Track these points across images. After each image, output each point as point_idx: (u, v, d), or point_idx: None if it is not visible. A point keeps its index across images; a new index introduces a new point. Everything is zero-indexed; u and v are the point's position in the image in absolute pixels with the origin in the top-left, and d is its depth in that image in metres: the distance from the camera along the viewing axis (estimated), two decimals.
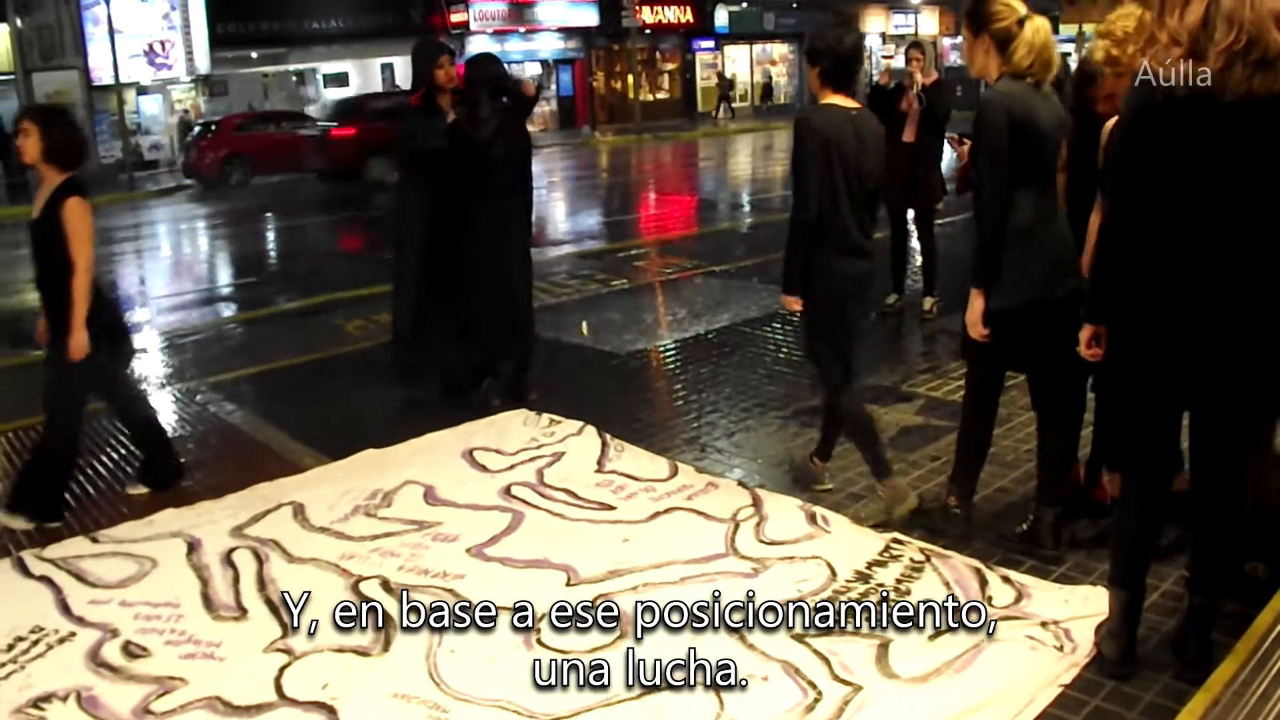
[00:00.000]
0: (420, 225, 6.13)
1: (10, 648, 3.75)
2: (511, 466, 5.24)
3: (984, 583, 3.88)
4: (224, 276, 13.26)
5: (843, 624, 3.64)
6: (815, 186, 4.27)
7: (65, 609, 4.02)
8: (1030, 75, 3.85)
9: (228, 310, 10.62)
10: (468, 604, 3.88)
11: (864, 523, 4.45)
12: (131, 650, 3.70)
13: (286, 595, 3.92)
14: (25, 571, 4.36)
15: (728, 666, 3.39)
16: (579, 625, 3.69)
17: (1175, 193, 2.93)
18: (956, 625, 3.60)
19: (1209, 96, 2.82)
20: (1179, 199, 2.93)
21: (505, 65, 6.53)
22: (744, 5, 38.77)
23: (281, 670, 3.53)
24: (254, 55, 30.61)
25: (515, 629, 3.70)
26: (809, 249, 4.34)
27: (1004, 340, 3.96)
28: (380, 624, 3.77)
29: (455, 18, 32.33)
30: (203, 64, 28.69)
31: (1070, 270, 3.87)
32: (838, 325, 4.48)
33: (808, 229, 4.32)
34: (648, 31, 35.60)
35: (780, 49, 41.64)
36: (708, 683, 3.33)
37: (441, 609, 3.84)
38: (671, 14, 36.82)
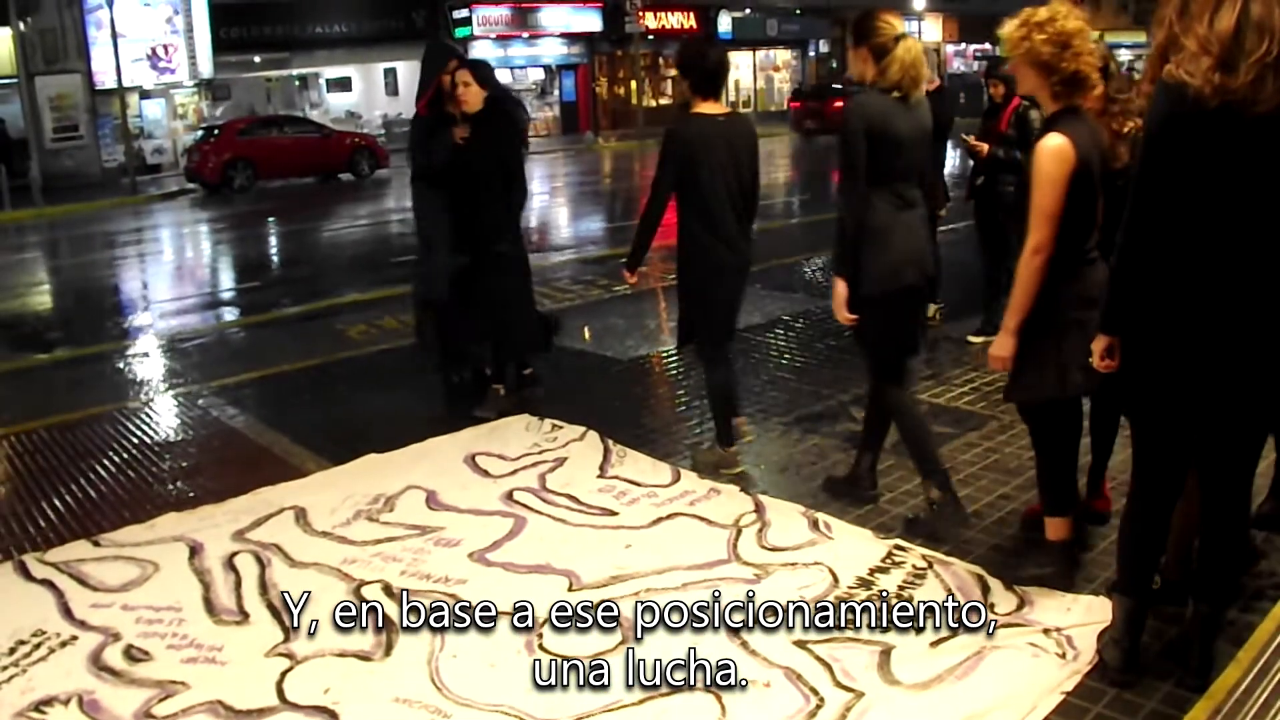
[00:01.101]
0: (444, 223, 6.14)
1: (12, 651, 3.75)
2: (514, 472, 5.24)
3: (986, 589, 3.88)
4: (226, 281, 13.26)
5: (845, 630, 3.64)
6: (665, 189, 4.89)
7: (67, 612, 4.02)
8: (899, 89, 4.21)
9: (230, 315, 10.63)
10: (469, 608, 3.88)
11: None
12: (133, 654, 3.70)
13: (288, 598, 3.92)
14: (27, 575, 4.36)
15: (729, 672, 3.39)
16: (580, 629, 3.70)
17: (1201, 204, 2.87)
18: (958, 631, 3.61)
19: (1238, 108, 2.74)
20: (1205, 211, 2.87)
21: (494, 70, 6.48)
22: (747, 11, 38.82)
23: (283, 674, 3.53)
24: (257, 60, 30.65)
25: (516, 633, 3.70)
26: (695, 233, 4.94)
27: (871, 323, 4.36)
28: (382, 628, 3.78)
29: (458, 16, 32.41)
30: (205, 68, 28.72)
31: (917, 263, 4.32)
32: (700, 295, 5.05)
33: (656, 219, 4.98)
34: (651, 37, 35.63)
35: (783, 54, 41.72)
36: (709, 688, 3.33)
37: (443, 613, 3.85)
38: (675, 20, 36.85)
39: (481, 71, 6.11)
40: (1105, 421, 4.27)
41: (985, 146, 6.83)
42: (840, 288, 4.33)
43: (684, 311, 5.18)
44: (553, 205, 19.50)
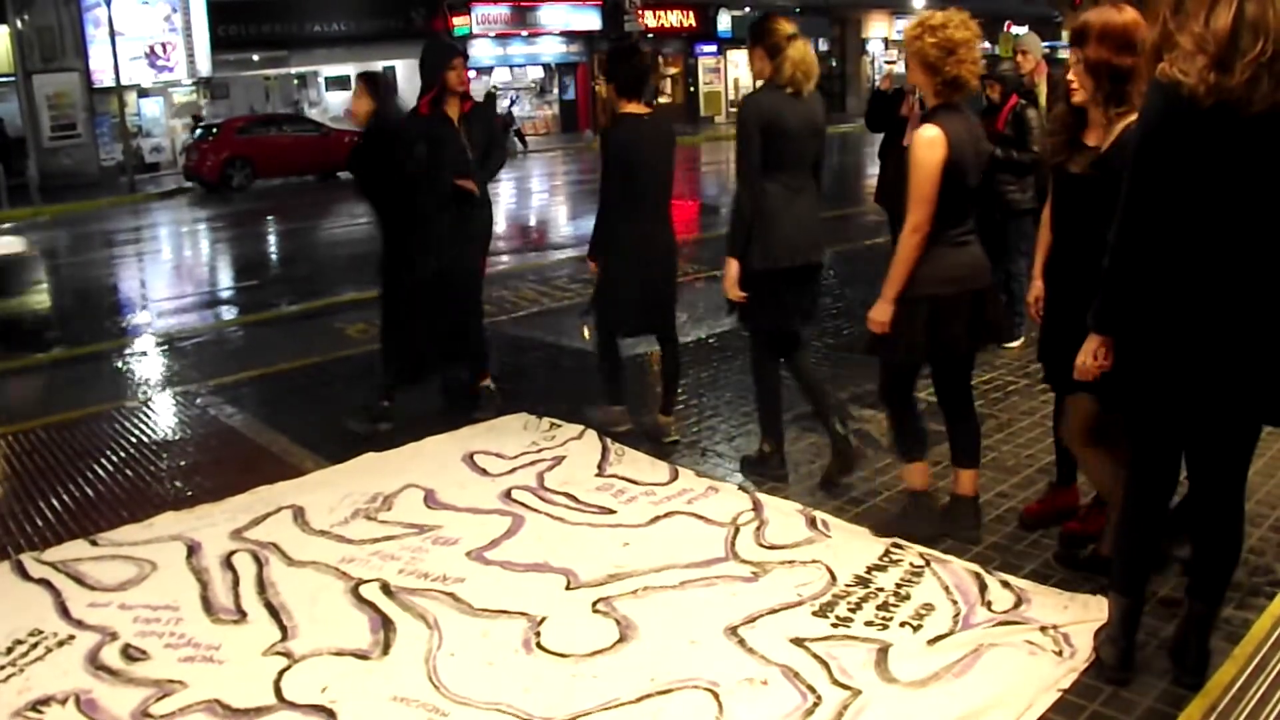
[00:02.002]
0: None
1: (9, 650, 3.75)
2: (512, 470, 5.24)
3: (984, 587, 3.89)
4: (225, 280, 13.26)
5: (842, 628, 3.65)
6: (616, 186, 5.31)
7: (64, 612, 4.02)
8: (791, 85, 4.60)
9: (229, 313, 10.63)
10: (467, 607, 3.89)
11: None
12: (130, 653, 3.71)
13: (285, 599, 3.93)
14: (24, 574, 4.36)
15: (726, 670, 3.40)
16: (578, 627, 3.71)
17: (1194, 202, 2.87)
18: (955, 629, 3.61)
19: (1233, 107, 2.74)
20: (1197, 209, 2.87)
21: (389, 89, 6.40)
22: (747, 10, 38.80)
23: (281, 673, 3.53)
24: (255, 58, 30.62)
25: (514, 631, 3.71)
26: (615, 223, 5.37)
27: (757, 300, 4.72)
28: (380, 627, 3.78)
29: (457, 20, 32.35)
30: (204, 66, 28.67)
31: (805, 245, 4.66)
32: (625, 277, 5.39)
33: (610, 210, 5.40)
34: (650, 36, 35.61)
35: None
36: (706, 686, 3.33)
37: (441, 612, 3.86)
38: (674, 18, 36.86)
39: (374, 85, 5.98)
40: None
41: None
42: (732, 267, 4.70)
43: (598, 295, 5.59)
44: (552, 204, 19.50)
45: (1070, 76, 3.70)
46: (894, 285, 4.03)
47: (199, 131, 25.07)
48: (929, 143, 3.89)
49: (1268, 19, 2.71)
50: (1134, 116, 3.22)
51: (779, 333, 4.91)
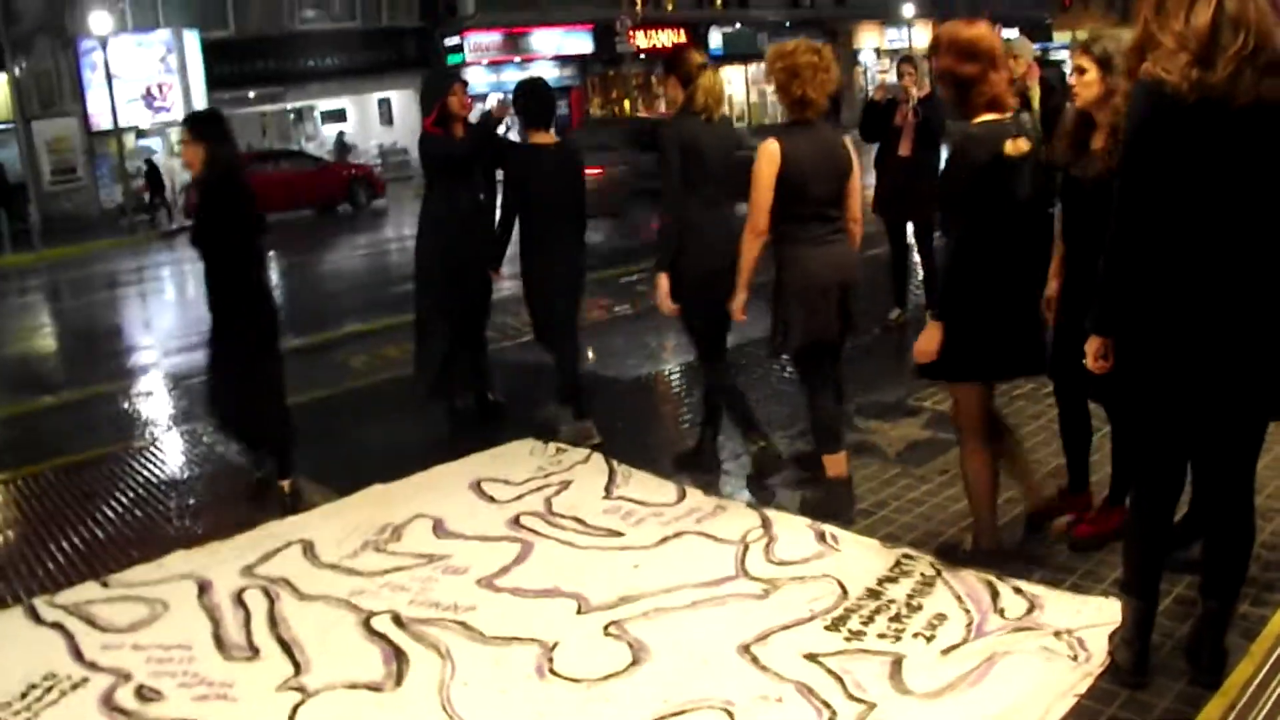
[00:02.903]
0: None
1: (24, 695, 3.75)
2: (519, 496, 5.24)
3: (996, 595, 3.88)
4: None
5: (855, 642, 3.64)
6: (510, 208, 5.87)
7: (77, 655, 4.02)
8: (704, 111, 5.00)
9: None
10: (479, 635, 3.88)
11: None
12: (144, 694, 3.70)
13: (297, 634, 3.92)
14: (37, 618, 4.36)
15: (740, 689, 3.39)
16: (590, 652, 3.70)
17: (1184, 199, 2.89)
18: (969, 638, 3.60)
19: (1217, 103, 2.77)
20: (1188, 206, 2.89)
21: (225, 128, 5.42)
22: (738, 27, 38.97)
23: (295, 709, 3.53)
24: (251, 95, 30.77)
25: (527, 658, 3.70)
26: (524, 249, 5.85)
27: (692, 306, 5.09)
28: (392, 658, 3.77)
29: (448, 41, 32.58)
30: (200, 105, 28.81)
31: (724, 252, 4.83)
32: (541, 296, 5.92)
33: (504, 228, 5.99)
34: (642, 56, 35.74)
35: None
36: (721, 706, 3.32)
37: (453, 641, 3.85)
38: (665, 38, 36.96)
39: (202, 127, 5.26)
40: (1078, 424, 4.28)
41: None
42: (663, 281, 5.02)
43: (532, 307, 6.01)
44: None
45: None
46: (741, 277, 4.65)
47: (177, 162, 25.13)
48: (765, 156, 4.41)
49: (1248, 14, 2.74)
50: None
51: (717, 333, 5.21)
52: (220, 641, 4.04)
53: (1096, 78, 3.77)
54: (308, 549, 4.79)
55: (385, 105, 34.26)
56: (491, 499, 5.24)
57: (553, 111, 5.85)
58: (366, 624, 4.05)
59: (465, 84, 6.31)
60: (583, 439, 5.92)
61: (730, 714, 3.29)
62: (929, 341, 3.89)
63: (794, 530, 4.56)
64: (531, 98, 5.85)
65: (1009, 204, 3.75)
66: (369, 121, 34.97)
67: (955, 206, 3.89)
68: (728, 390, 5.33)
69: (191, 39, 27.68)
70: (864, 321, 4.90)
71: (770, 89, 4.85)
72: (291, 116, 33.83)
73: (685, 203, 4.97)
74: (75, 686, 3.79)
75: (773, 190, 4.42)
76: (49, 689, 3.78)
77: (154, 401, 8.41)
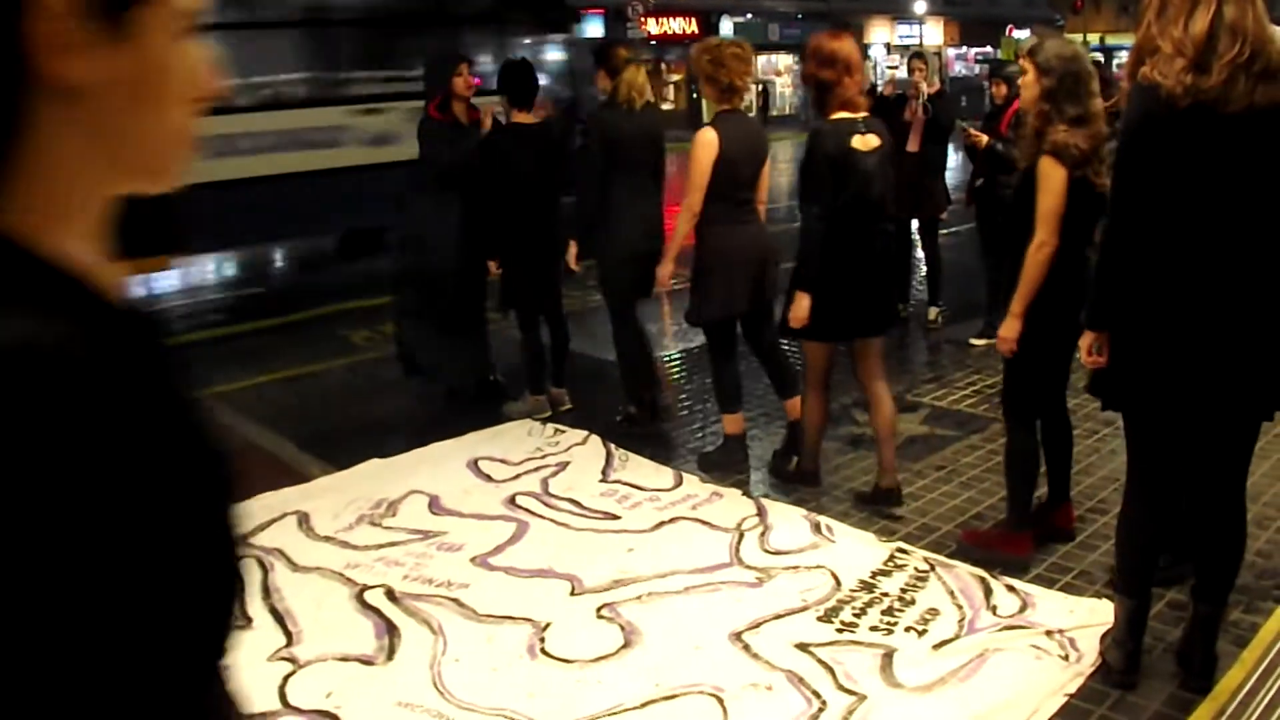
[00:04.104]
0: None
1: None
2: (516, 476, 5.24)
3: (989, 592, 3.88)
4: (230, 286, 13.27)
5: (847, 633, 3.65)
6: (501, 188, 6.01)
7: None
8: (626, 103, 5.47)
9: (234, 320, 10.63)
10: (472, 613, 3.89)
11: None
12: None
13: (290, 604, 3.92)
14: None
15: (731, 676, 3.40)
16: (582, 634, 3.70)
17: (1178, 202, 2.92)
18: (961, 633, 3.61)
19: (1212, 108, 2.81)
20: (1181, 209, 2.92)
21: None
22: (749, 16, 38.88)
23: (285, 679, 3.53)
24: None
25: (519, 637, 3.71)
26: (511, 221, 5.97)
27: (629, 279, 5.54)
28: (384, 633, 3.78)
29: None
30: None
31: (647, 232, 5.48)
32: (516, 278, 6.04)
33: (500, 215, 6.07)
34: (653, 43, 35.67)
35: (785, 60, 41.71)
36: (711, 692, 3.33)
37: (446, 618, 3.86)
38: (677, 25, 36.90)
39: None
40: (1058, 431, 4.27)
41: (985, 138, 6.84)
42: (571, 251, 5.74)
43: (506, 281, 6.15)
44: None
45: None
46: (671, 249, 5.19)
47: None
48: (703, 143, 4.82)
49: (1246, 22, 2.80)
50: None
51: (631, 303, 5.72)
52: None
53: (1034, 79, 3.80)
54: (303, 520, 4.79)
55: None
56: (489, 478, 5.24)
57: (535, 91, 5.96)
58: (360, 597, 4.06)
59: (471, 63, 6.29)
60: (537, 411, 6.11)
61: (720, 700, 3.29)
62: (799, 309, 4.47)
63: (789, 520, 4.56)
64: (515, 77, 5.95)
65: (857, 189, 4.37)
66: None
67: (809, 190, 4.47)
68: (628, 346, 5.84)
69: None
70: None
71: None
72: None
73: (611, 188, 5.42)
74: None
75: (708, 176, 4.81)
76: None
77: None
